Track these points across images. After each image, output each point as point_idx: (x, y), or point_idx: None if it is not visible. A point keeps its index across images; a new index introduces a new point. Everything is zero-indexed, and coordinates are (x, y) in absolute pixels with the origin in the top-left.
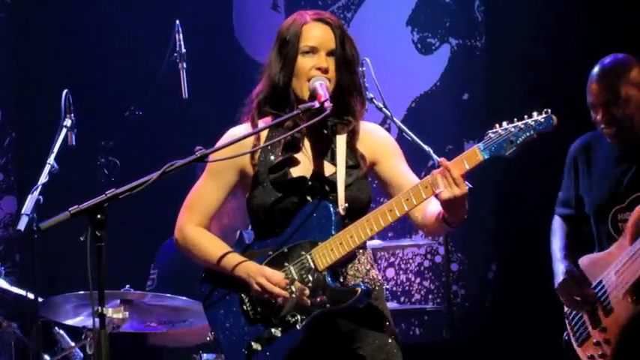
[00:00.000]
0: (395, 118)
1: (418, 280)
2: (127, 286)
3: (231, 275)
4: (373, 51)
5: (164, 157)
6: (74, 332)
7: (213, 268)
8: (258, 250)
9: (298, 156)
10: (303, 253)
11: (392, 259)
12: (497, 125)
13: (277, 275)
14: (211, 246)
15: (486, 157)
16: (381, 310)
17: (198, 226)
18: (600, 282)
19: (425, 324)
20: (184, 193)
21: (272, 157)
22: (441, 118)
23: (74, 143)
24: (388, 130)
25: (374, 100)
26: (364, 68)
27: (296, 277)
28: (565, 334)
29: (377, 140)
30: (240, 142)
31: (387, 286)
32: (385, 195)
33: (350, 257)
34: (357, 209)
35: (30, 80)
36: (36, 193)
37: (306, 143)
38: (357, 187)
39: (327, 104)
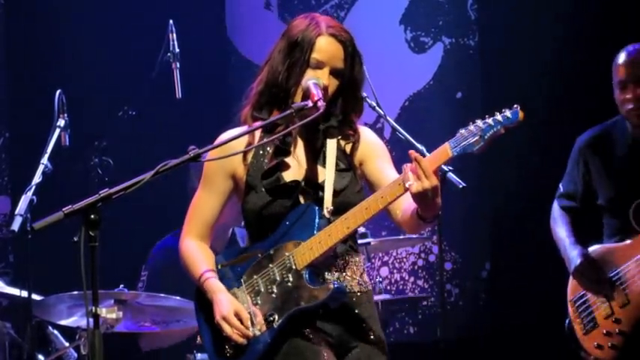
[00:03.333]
0: (388, 117)
1: (412, 279)
2: (121, 286)
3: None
4: (366, 50)
5: (158, 156)
6: (68, 332)
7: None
8: (249, 254)
9: (289, 160)
10: (287, 253)
11: (386, 258)
12: (470, 123)
13: (234, 320)
14: (192, 268)
15: (456, 153)
16: (365, 317)
17: (196, 239)
18: (617, 272)
19: (419, 323)
20: (178, 192)
21: (264, 162)
22: (435, 116)
23: (67, 143)
24: (382, 129)
25: (367, 99)
26: None
27: (278, 278)
28: (567, 320)
29: (365, 142)
30: (233, 149)
31: (381, 285)
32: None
33: (330, 260)
34: (345, 212)
35: (23, 80)
36: (29, 194)
37: (298, 147)
38: (350, 190)
39: (320, 103)
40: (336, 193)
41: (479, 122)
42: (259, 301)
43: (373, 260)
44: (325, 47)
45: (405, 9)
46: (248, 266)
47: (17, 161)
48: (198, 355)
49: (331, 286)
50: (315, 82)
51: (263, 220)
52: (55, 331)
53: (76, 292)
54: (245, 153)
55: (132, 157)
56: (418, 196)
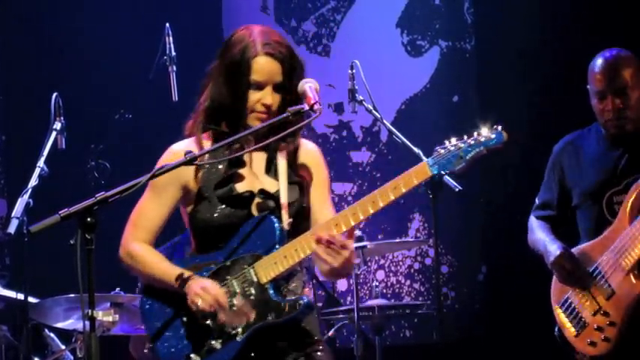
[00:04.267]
0: (385, 121)
1: (408, 282)
2: (117, 289)
3: (172, 289)
4: (363, 53)
5: (154, 160)
6: (64, 335)
7: (154, 284)
8: (202, 263)
9: (243, 171)
10: (246, 266)
11: (382, 261)
12: (446, 141)
13: (217, 289)
14: (153, 261)
15: (435, 172)
16: (309, 329)
17: (142, 243)
18: (596, 267)
19: (415, 326)
20: None
21: (216, 173)
22: (431, 120)
23: (64, 146)
24: (378, 132)
25: (364, 103)
26: (354, 70)
27: (238, 291)
28: (556, 328)
29: (312, 164)
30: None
31: (378, 289)
32: None
33: (292, 272)
34: (301, 224)
35: (19, 83)
36: (26, 197)
37: (251, 159)
38: (301, 202)
39: (317, 107)
40: (289, 205)
41: (457, 142)
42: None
43: (369, 263)
44: (262, 68)
45: (402, 12)
46: (203, 276)
47: (14, 164)
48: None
49: (301, 301)
50: (311, 85)
51: (215, 230)
52: (52, 334)
53: (72, 295)
54: (197, 164)
55: (128, 160)
56: (331, 273)
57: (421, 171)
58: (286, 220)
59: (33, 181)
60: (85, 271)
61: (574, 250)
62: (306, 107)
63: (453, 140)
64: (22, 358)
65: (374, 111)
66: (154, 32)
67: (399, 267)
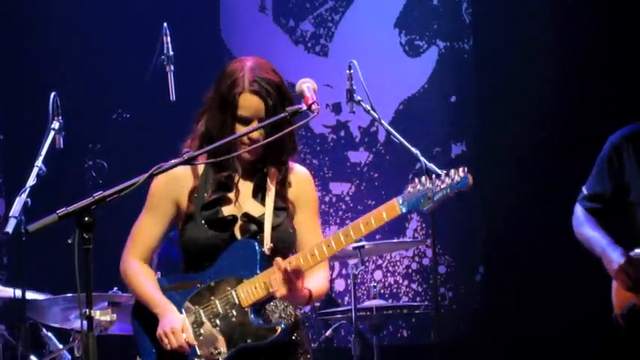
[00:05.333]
0: (382, 121)
1: (406, 282)
2: (115, 288)
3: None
4: (361, 53)
5: (152, 159)
6: (62, 334)
7: (142, 303)
8: (188, 282)
9: (230, 195)
10: (229, 288)
11: (379, 262)
12: (416, 180)
13: (181, 335)
14: (141, 284)
15: (404, 210)
16: (297, 343)
17: (138, 260)
18: None
19: (413, 326)
20: None
21: (205, 195)
22: (429, 120)
23: (62, 146)
24: (376, 132)
25: (361, 103)
26: (352, 71)
27: (221, 312)
28: (622, 333)
29: (301, 190)
30: (177, 178)
31: (375, 290)
32: None
33: (272, 296)
34: (282, 249)
35: (17, 83)
36: (24, 196)
37: (239, 184)
38: (284, 228)
39: (315, 106)
40: (273, 229)
41: (427, 183)
42: (202, 332)
43: (367, 264)
44: (248, 104)
45: (400, 13)
46: (187, 295)
47: (11, 163)
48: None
49: (279, 327)
50: (309, 85)
51: (200, 251)
52: (49, 333)
53: (70, 295)
54: (192, 183)
55: (126, 159)
56: (283, 299)
57: (391, 208)
58: (267, 244)
59: (31, 181)
60: (83, 270)
61: (632, 253)
62: (304, 107)
63: (423, 179)
64: (19, 358)
65: (372, 111)
66: (152, 32)
67: (396, 267)
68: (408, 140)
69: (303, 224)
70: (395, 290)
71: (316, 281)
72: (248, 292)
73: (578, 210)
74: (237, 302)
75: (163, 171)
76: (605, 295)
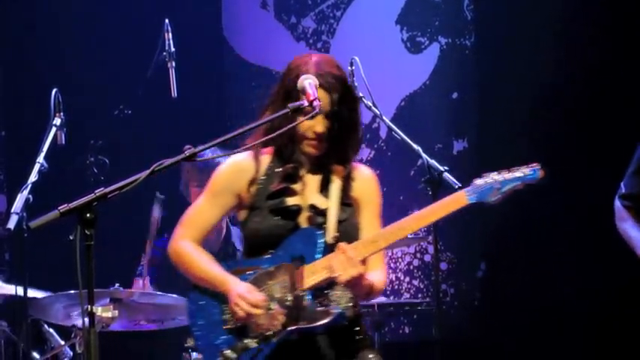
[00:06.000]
0: (384, 117)
1: (407, 279)
2: (117, 284)
3: (215, 290)
4: (362, 49)
5: (153, 156)
6: (64, 331)
7: (198, 283)
8: (247, 267)
9: (296, 187)
10: (287, 273)
11: None
12: (485, 174)
13: (255, 295)
14: (199, 262)
15: (472, 201)
16: (360, 333)
17: (191, 241)
18: None
19: (414, 323)
20: (175, 190)
21: (270, 186)
22: (431, 117)
23: (64, 142)
24: (377, 128)
25: (363, 99)
26: (353, 67)
27: (277, 295)
28: None
29: (366, 189)
30: (243, 170)
31: None
32: None
33: (333, 282)
34: (348, 242)
35: (19, 79)
36: (25, 192)
37: (305, 176)
38: (349, 223)
39: (316, 103)
40: (338, 223)
41: (496, 175)
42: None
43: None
44: None
45: (402, 9)
46: (245, 279)
47: (13, 160)
48: (194, 354)
49: (333, 311)
50: (310, 81)
51: (263, 240)
52: (51, 330)
53: (71, 291)
54: (254, 175)
55: (127, 156)
56: (345, 285)
57: (458, 199)
58: (332, 235)
59: (32, 177)
60: (85, 266)
61: None
62: (306, 103)
63: (492, 173)
64: (21, 354)
65: (373, 107)
66: (154, 28)
67: (398, 264)
68: (410, 137)
69: (364, 223)
70: (396, 287)
71: (376, 276)
72: (306, 276)
73: (618, 207)
74: (294, 286)
75: (165, 168)
76: (605, 291)
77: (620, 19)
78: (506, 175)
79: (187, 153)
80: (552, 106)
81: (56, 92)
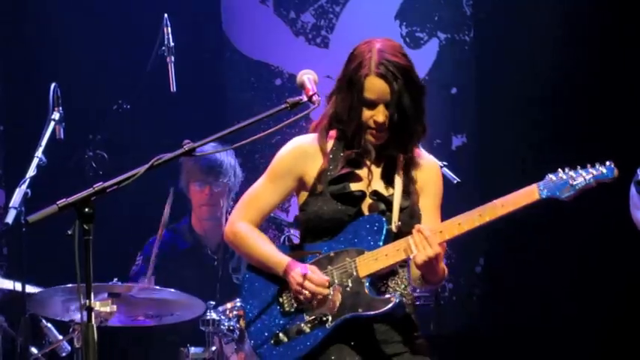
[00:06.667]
0: None
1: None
2: (115, 279)
3: (272, 272)
4: None
5: (152, 150)
6: (62, 326)
7: (256, 264)
8: (308, 251)
9: (359, 172)
10: (348, 259)
11: None
12: (559, 170)
13: (319, 275)
14: (257, 244)
15: (544, 196)
16: (415, 324)
17: (249, 223)
18: None
19: None
20: (172, 186)
21: (333, 171)
22: (430, 112)
23: (62, 137)
24: None
25: None
26: None
27: (336, 281)
28: None
29: (428, 178)
30: (307, 154)
31: None
32: None
33: (392, 271)
34: (408, 233)
35: (17, 73)
36: (24, 187)
37: (369, 163)
38: (411, 211)
39: (316, 98)
40: (400, 211)
41: (570, 171)
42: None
43: None
44: (373, 87)
45: (401, 4)
46: (305, 263)
47: (12, 154)
48: (192, 349)
49: (393, 299)
50: (309, 76)
51: (324, 223)
52: (49, 324)
53: (70, 286)
54: (318, 159)
55: (126, 150)
56: (422, 266)
57: (530, 193)
58: (395, 222)
59: (31, 172)
60: (83, 261)
61: None
62: (305, 98)
63: (566, 169)
64: (19, 348)
65: None
66: (153, 23)
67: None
68: None
69: (425, 212)
70: None
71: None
72: (367, 263)
73: (634, 194)
74: (354, 273)
75: (164, 162)
76: (604, 287)
77: (624, 17)
78: (582, 173)
79: (186, 148)
80: (551, 101)
81: (55, 86)
